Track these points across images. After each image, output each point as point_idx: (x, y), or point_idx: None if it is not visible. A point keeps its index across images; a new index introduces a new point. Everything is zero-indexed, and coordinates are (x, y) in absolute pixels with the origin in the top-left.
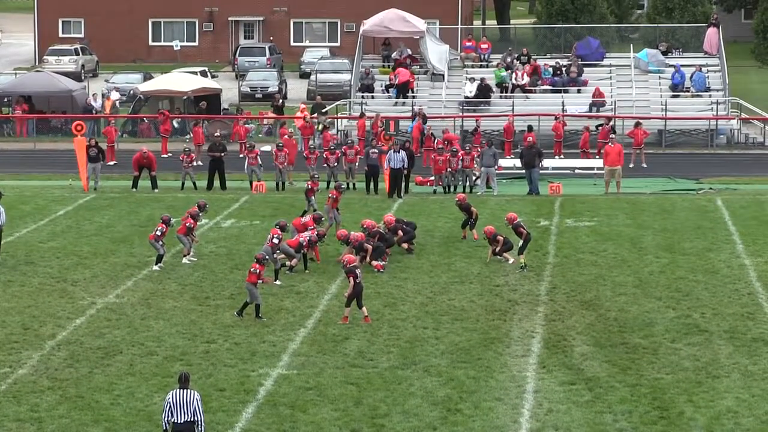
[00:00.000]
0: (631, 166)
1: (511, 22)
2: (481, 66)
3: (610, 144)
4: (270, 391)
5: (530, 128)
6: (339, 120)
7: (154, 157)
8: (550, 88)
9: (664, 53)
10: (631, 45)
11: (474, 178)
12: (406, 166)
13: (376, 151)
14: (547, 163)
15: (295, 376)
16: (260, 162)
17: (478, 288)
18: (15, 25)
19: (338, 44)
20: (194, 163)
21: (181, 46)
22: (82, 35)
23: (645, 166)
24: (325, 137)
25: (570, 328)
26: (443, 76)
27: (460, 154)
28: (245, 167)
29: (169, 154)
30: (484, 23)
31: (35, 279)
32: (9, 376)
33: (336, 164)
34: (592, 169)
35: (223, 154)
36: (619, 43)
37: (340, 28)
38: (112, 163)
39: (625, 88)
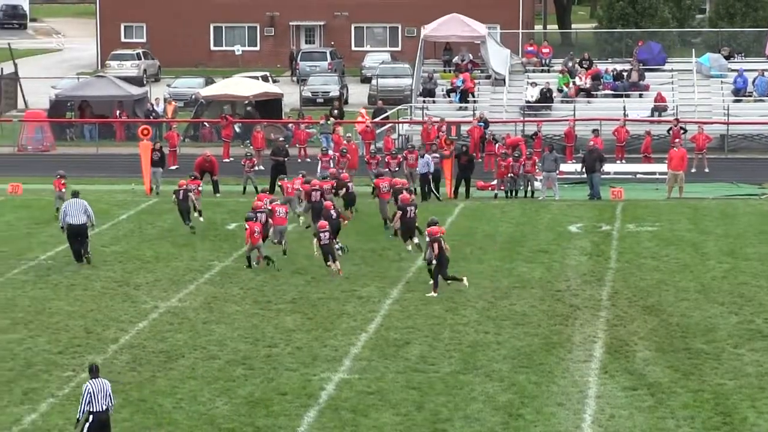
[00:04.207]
0: (693, 170)
1: (572, 26)
2: (542, 71)
3: (674, 148)
4: (332, 396)
5: (596, 132)
6: (400, 125)
7: (216, 161)
8: (612, 92)
9: (726, 58)
10: (693, 50)
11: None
12: (431, 170)
13: (438, 155)
14: (608, 167)
15: (357, 381)
16: (332, 165)
17: (540, 293)
18: (77, 30)
19: (399, 49)
20: (256, 168)
21: (242, 51)
22: (144, 40)
23: (707, 171)
24: (386, 141)
25: (632, 333)
26: (504, 80)
27: (522, 158)
28: (318, 171)
29: (231, 159)
30: (545, 28)
31: (98, 283)
32: (72, 379)
33: (397, 169)
34: (654, 173)
35: (285, 159)
36: (680, 48)
37: (401, 33)
38: (174, 167)
39: (687, 92)
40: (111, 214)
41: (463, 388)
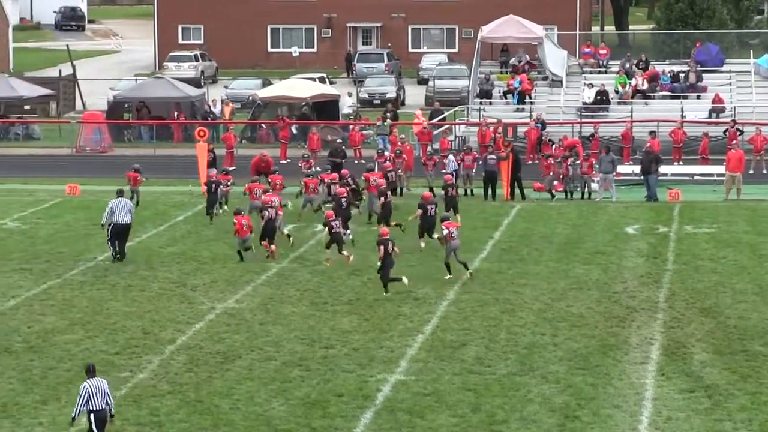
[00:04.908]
0: (751, 172)
1: (630, 27)
2: (599, 72)
3: (732, 150)
4: (388, 397)
5: (653, 134)
6: (457, 126)
7: (272, 161)
8: (669, 94)
9: None
10: (751, 51)
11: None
12: (456, 173)
13: (494, 157)
14: (666, 169)
15: (413, 382)
16: (398, 167)
17: (597, 294)
18: (135, 32)
19: (456, 50)
20: (313, 169)
21: (299, 52)
22: (201, 41)
23: (765, 172)
24: (443, 143)
25: (689, 335)
26: (561, 81)
27: (570, 160)
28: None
29: (288, 160)
30: (602, 29)
31: (155, 284)
32: (129, 380)
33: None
34: (711, 175)
35: (343, 160)
36: (738, 49)
37: (458, 34)
38: (231, 168)
39: (744, 94)
40: (168, 215)
41: (520, 389)
